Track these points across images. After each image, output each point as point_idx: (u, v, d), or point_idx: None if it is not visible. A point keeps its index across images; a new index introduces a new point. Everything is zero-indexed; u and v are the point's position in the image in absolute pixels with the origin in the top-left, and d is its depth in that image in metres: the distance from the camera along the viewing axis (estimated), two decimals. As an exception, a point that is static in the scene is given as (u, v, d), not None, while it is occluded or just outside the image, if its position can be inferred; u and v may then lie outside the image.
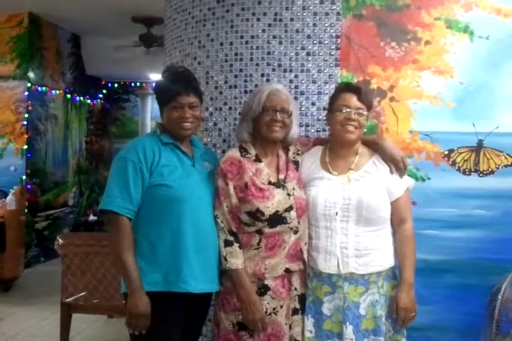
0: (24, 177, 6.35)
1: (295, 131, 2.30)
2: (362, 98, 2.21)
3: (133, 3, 5.75)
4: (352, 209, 2.15)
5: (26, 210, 6.24)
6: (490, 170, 2.68)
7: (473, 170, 2.68)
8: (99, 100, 8.96)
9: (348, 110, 2.18)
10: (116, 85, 9.40)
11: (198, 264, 2.11)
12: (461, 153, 2.68)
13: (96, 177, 8.39)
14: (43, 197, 6.84)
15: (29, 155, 6.46)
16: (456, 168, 2.68)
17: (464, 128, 2.66)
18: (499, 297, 2.43)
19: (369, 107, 2.25)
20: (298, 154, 2.35)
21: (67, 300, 3.55)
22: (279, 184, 2.20)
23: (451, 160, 2.68)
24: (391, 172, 2.22)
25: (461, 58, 2.67)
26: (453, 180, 2.67)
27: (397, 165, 2.22)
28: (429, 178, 2.67)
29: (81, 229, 6.93)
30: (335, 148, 2.29)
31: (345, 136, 2.20)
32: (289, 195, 2.18)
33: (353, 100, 2.19)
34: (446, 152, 2.69)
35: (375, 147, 2.28)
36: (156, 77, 8.34)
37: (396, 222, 2.23)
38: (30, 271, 6.12)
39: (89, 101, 8.42)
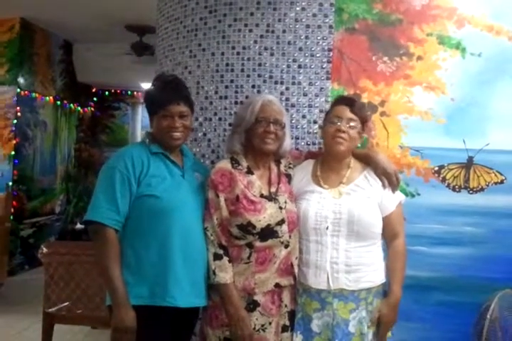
0: (11, 183, 6.27)
1: (288, 143, 2.28)
2: (355, 110, 2.19)
3: (126, 11, 5.75)
4: (343, 224, 2.12)
5: (12, 217, 6.15)
6: (480, 187, 2.67)
7: (463, 186, 2.67)
8: (89, 107, 8.91)
9: (339, 123, 2.16)
10: (107, 93, 9.34)
11: (186, 278, 2.06)
12: (451, 169, 2.67)
13: (84, 185, 8.30)
14: (30, 204, 6.74)
15: (16, 161, 6.38)
16: (446, 184, 2.68)
17: (455, 145, 2.65)
18: (488, 316, 2.40)
19: (363, 120, 2.22)
20: (290, 167, 2.33)
21: (50, 310, 3.49)
22: (270, 197, 2.17)
23: (441, 176, 2.67)
24: (384, 186, 2.20)
25: (452, 74, 2.67)
26: (442, 196, 2.66)
27: (390, 179, 2.20)
28: (418, 194, 2.65)
29: (67, 237, 6.84)
30: (327, 161, 2.27)
31: (335, 147, 2.17)
32: (280, 208, 2.15)
33: (346, 112, 2.18)
34: (437, 168, 2.68)
35: (367, 160, 2.26)
36: (147, 86, 8.31)
37: (389, 236, 2.21)
38: (14, 278, 6.02)
39: (79, 108, 8.37)
